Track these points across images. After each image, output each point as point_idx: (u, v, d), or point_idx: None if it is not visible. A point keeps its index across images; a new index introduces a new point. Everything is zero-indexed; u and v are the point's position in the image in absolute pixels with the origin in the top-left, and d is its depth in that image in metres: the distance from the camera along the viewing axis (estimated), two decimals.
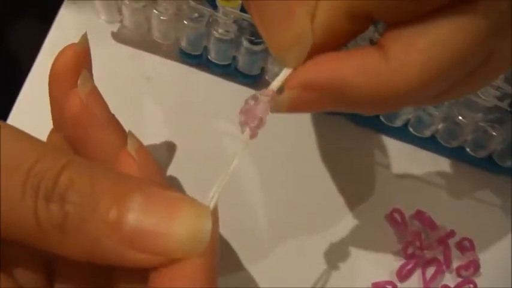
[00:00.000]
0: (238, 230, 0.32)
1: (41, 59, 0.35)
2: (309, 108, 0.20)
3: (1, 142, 0.16)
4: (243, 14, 0.32)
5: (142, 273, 0.18)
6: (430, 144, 0.37)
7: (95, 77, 0.23)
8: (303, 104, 0.20)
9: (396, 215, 0.34)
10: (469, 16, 0.17)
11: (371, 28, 0.30)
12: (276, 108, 0.20)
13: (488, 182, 0.37)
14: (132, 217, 0.17)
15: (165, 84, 0.36)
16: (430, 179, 0.36)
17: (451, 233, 0.34)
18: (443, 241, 0.34)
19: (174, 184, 0.33)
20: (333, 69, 0.19)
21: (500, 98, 0.32)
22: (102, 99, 0.22)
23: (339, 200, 0.35)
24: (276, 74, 0.21)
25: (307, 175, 0.35)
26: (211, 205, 0.18)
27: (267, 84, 0.36)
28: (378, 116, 0.36)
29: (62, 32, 0.37)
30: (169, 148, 0.34)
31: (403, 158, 0.37)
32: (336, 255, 0.33)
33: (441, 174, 0.37)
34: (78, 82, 0.21)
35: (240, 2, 0.32)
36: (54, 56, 0.23)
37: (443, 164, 0.37)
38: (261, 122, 0.19)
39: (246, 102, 0.19)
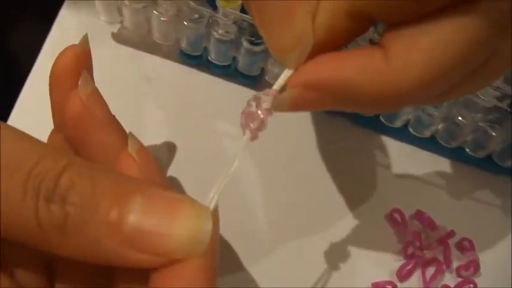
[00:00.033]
0: (239, 230, 0.32)
1: (41, 60, 0.35)
2: (311, 107, 0.20)
3: (1, 143, 0.16)
4: (243, 15, 0.32)
5: (143, 273, 0.18)
6: (430, 144, 0.37)
7: (94, 78, 0.23)
8: (305, 103, 0.20)
9: (396, 215, 0.34)
10: (470, 16, 0.17)
11: (371, 29, 0.30)
12: (277, 107, 0.20)
13: (488, 182, 0.37)
14: (132, 218, 0.17)
15: (165, 85, 0.37)
16: (430, 179, 0.36)
17: (451, 233, 0.34)
18: (443, 241, 0.34)
19: (174, 185, 0.33)
20: (334, 69, 0.19)
21: (500, 99, 0.33)
22: (103, 100, 0.22)
23: (339, 200, 0.35)
24: (276, 75, 0.21)
25: (307, 175, 0.35)
26: (212, 206, 0.18)
27: (267, 84, 0.36)
28: (377, 117, 0.36)
29: (63, 33, 0.37)
30: (170, 149, 0.34)
31: (403, 158, 0.37)
32: (336, 255, 0.33)
33: (441, 174, 0.37)
34: (79, 83, 0.21)
35: (240, 2, 0.32)
36: (55, 57, 0.23)
37: (443, 164, 0.37)
38: (262, 124, 0.19)
39: (248, 103, 0.19)
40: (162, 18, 0.34)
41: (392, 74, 0.18)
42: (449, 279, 0.33)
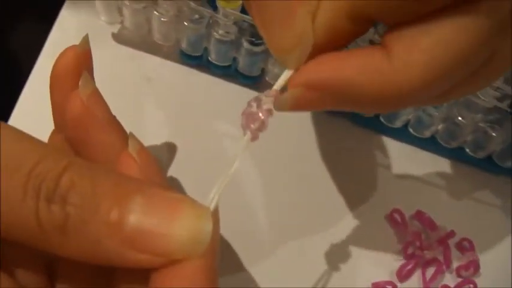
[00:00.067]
0: (239, 230, 0.32)
1: (41, 60, 0.35)
2: (312, 107, 0.20)
3: (2, 143, 0.16)
4: (244, 16, 0.32)
5: (143, 273, 0.18)
6: (430, 144, 0.37)
7: (95, 78, 0.23)
8: (306, 103, 0.20)
9: (396, 215, 0.34)
10: (471, 16, 0.17)
11: (371, 30, 0.30)
12: (279, 106, 0.20)
13: (488, 183, 0.37)
14: (133, 218, 0.17)
15: (166, 86, 0.37)
16: (430, 179, 0.36)
17: (451, 234, 0.34)
18: (443, 241, 0.34)
19: (174, 185, 0.33)
20: (334, 69, 0.19)
21: (500, 99, 0.33)
22: (103, 100, 0.22)
23: (339, 200, 0.35)
24: (277, 75, 0.21)
25: (308, 176, 0.35)
26: (212, 206, 0.18)
27: (267, 85, 0.36)
28: (378, 117, 0.36)
29: (63, 33, 0.37)
30: (170, 149, 0.34)
31: (403, 158, 0.37)
32: (336, 255, 0.33)
33: (441, 174, 0.37)
34: (79, 84, 0.21)
35: (240, 3, 0.32)
36: (55, 57, 0.23)
37: (443, 164, 0.37)
38: (262, 125, 0.19)
39: (249, 104, 0.19)
40: (162, 19, 0.34)
41: (393, 74, 0.18)
42: (449, 279, 0.33)
